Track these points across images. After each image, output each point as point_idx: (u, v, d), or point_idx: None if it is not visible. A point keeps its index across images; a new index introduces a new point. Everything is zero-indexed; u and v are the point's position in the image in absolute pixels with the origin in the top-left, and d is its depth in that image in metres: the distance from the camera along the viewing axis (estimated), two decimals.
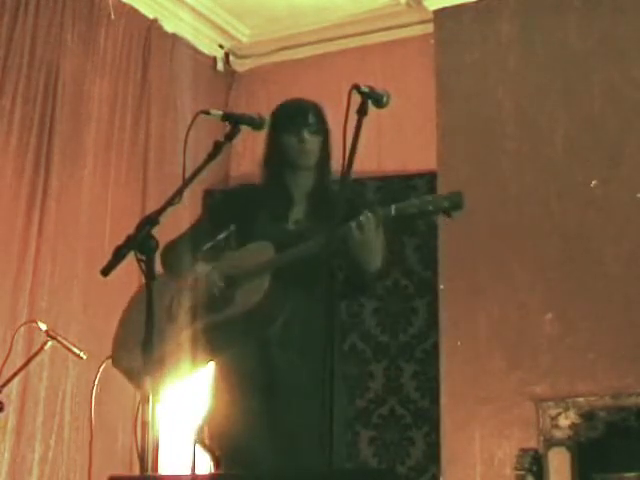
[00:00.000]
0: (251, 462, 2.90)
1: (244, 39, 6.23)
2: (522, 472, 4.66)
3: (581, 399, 4.76)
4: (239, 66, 6.35)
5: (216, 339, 2.94)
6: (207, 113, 2.79)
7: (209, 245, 3.03)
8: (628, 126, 5.04)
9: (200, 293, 2.98)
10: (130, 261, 2.51)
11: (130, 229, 2.53)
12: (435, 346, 5.25)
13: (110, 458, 4.72)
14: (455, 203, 2.75)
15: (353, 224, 2.77)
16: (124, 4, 5.45)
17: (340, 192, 2.63)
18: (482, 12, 5.46)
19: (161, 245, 2.56)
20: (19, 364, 4.14)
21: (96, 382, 3.87)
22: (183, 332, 2.96)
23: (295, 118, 3.09)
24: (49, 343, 4.06)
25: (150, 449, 2.41)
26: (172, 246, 3.11)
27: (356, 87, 2.62)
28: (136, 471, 4.17)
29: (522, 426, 4.84)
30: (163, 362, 2.81)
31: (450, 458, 5.00)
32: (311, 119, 3.08)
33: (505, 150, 5.29)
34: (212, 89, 6.14)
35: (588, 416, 4.71)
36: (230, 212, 3.14)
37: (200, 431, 3.37)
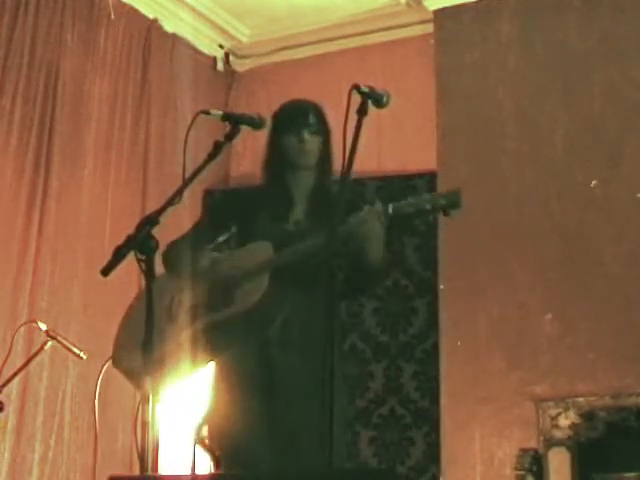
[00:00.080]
0: (251, 462, 2.90)
1: (244, 39, 6.23)
2: (522, 472, 4.66)
3: (581, 399, 4.76)
4: (239, 66, 6.35)
5: (216, 339, 2.94)
6: (207, 113, 2.79)
7: (211, 246, 3.05)
8: (628, 126, 5.04)
9: (207, 279, 2.98)
10: (130, 261, 2.51)
11: (130, 229, 2.53)
12: (435, 346, 5.25)
13: (110, 458, 4.71)
14: (453, 202, 2.76)
15: (356, 217, 2.78)
16: (124, 4, 5.45)
17: (340, 192, 2.64)
18: (482, 12, 5.46)
19: (161, 245, 2.56)
20: (19, 364, 4.14)
21: (99, 383, 3.86)
22: (183, 332, 2.96)
23: (295, 119, 3.10)
24: (49, 343, 4.06)
25: (150, 449, 2.41)
26: (174, 246, 3.12)
27: (356, 87, 2.62)
28: (136, 471, 4.18)
29: (522, 426, 4.84)
30: (163, 362, 2.81)
31: (450, 458, 5.00)
32: (311, 119, 3.09)
33: (505, 150, 5.29)
34: (212, 89, 6.14)
35: (588, 416, 4.71)
36: (231, 213, 3.15)
37: (200, 431, 3.37)
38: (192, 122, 2.72)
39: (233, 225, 3.07)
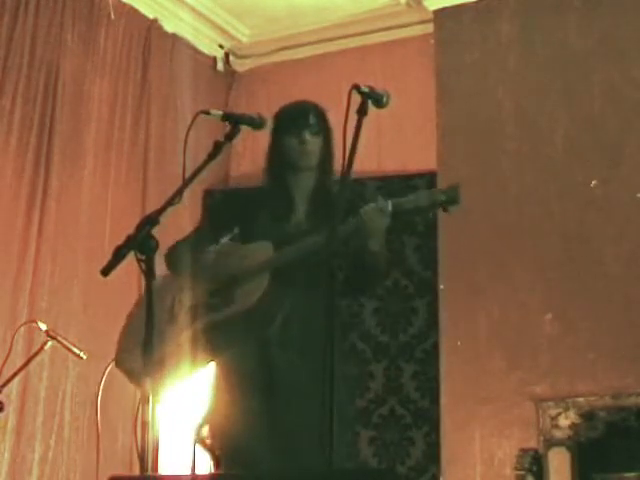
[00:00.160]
0: (251, 462, 2.90)
1: (244, 39, 6.23)
2: (522, 472, 4.66)
3: (581, 399, 4.76)
4: (239, 66, 6.35)
5: (216, 339, 2.94)
6: (207, 113, 2.79)
7: (213, 247, 3.06)
8: (628, 126, 5.04)
9: (209, 276, 2.99)
10: (130, 261, 2.51)
11: (130, 229, 2.53)
12: (435, 346, 5.25)
13: (110, 458, 4.71)
14: (452, 197, 2.77)
15: (361, 213, 2.79)
16: (124, 4, 5.45)
17: (340, 192, 2.64)
18: (482, 12, 5.46)
19: (161, 245, 2.56)
20: (19, 364, 4.14)
21: (102, 384, 3.86)
22: (183, 333, 2.96)
23: (296, 120, 3.10)
24: (49, 343, 4.06)
25: (150, 449, 2.41)
26: (177, 248, 3.13)
27: (356, 87, 2.62)
28: (136, 471, 4.19)
29: (522, 426, 4.84)
30: (163, 363, 2.81)
31: (450, 458, 5.00)
32: (312, 120, 3.10)
33: (505, 150, 5.29)
34: (212, 89, 6.14)
35: (588, 416, 4.71)
36: (232, 214, 3.16)
37: (200, 431, 3.38)
38: (192, 122, 2.72)
39: (235, 226, 3.08)
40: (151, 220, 2.53)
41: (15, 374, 4.03)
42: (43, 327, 4.07)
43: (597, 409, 4.71)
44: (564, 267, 4.98)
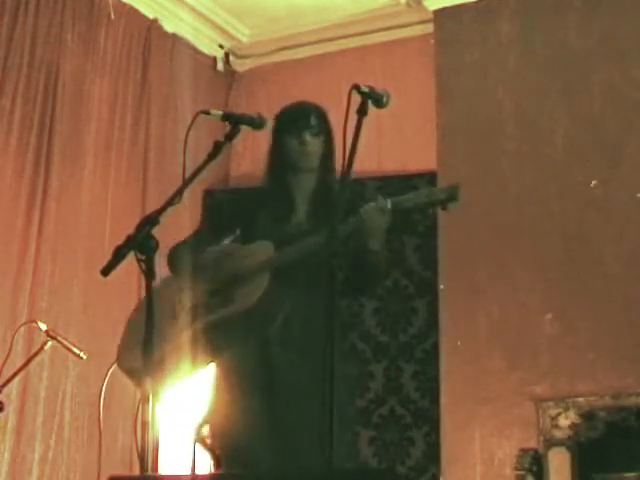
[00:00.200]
0: (251, 461, 2.90)
1: (244, 39, 6.23)
2: (522, 472, 4.66)
3: (581, 399, 4.76)
4: (239, 66, 6.34)
5: (216, 339, 2.95)
6: (207, 113, 2.79)
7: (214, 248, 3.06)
8: (628, 126, 5.04)
9: (211, 275, 2.99)
10: (130, 261, 2.51)
11: (130, 229, 2.53)
12: (435, 346, 5.25)
13: (110, 458, 4.71)
14: (452, 195, 2.78)
15: (361, 212, 2.79)
16: (124, 4, 5.45)
17: (340, 192, 2.64)
18: (482, 12, 5.46)
19: (161, 245, 2.56)
20: (19, 364, 4.14)
21: (105, 384, 3.85)
22: (183, 333, 2.96)
23: (297, 121, 3.11)
24: (49, 343, 4.05)
25: (150, 449, 2.41)
26: (178, 249, 3.13)
27: (356, 87, 2.62)
28: (136, 471, 4.18)
29: (522, 426, 4.84)
30: (163, 363, 2.82)
31: (450, 458, 5.00)
32: (313, 121, 3.10)
33: (505, 150, 5.29)
34: (212, 89, 6.14)
35: (588, 416, 4.71)
36: (234, 215, 3.16)
37: (200, 430, 3.38)
38: (192, 122, 2.72)
39: (237, 227, 3.09)
40: (151, 220, 2.53)
41: (15, 374, 4.03)
42: (43, 327, 4.07)
43: (597, 409, 4.71)
44: (564, 267, 4.98)
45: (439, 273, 5.28)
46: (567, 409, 4.76)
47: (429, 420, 5.24)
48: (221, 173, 6.00)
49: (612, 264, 4.89)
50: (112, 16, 5.33)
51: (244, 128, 2.82)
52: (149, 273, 2.48)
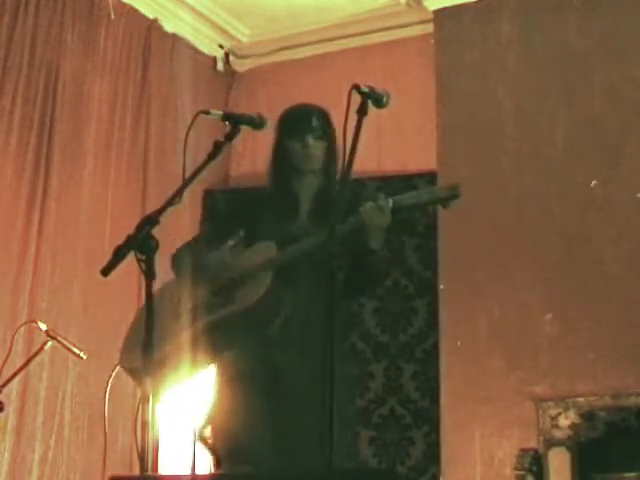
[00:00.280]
0: (252, 461, 2.90)
1: (244, 39, 6.23)
2: (522, 472, 4.66)
3: (581, 399, 4.76)
4: (239, 66, 6.34)
5: (217, 339, 2.95)
6: (207, 113, 2.79)
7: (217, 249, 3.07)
8: (628, 126, 5.04)
9: (213, 278, 2.99)
10: (130, 261, 2.51)
11: (130, 229, 2.53)
12: (435, 346, 5.25)
13: (110, 458, 4.71)
14: (452, 194, 2.78)
15: (361, 211, 2.79)
16: (124, 4, 5.45)
17: (340, 192, 2.65)
18: (482, 12, 5.46)
19: (161, 245, 2.56)
20: (19, 364, 4.14)
21: (109, 384, 3.84)
22: (184, 333, 2.96)
23: (299, 123, 3.11)
24: (49, 343, 4.05)
25: (150, 449, 2.41)
26: (182, 251, 3.14)
27: (356, 87, 2.62)
28: (136, 471, 4.18)
29: (522, 426, 4.84)
30: (164, 363, 2.82)
31: (450, 458, 5.00)
32: (315, 124, 3.10)
33: (505, 150, 5.29)
34: (212, 89, 6.13)
35: (588, 416, 4.71)
36: (237, 216, 3.17)
37: (201, 430, 3.38)
38: (192, 122, 2.73)
39: (240, 229, 3.09)
40: (151, 220, 2.53)
41: (15, 374, 4.03)
42: (43, 327, 4.07)
43: (597, 409, 4.71)
44: (564, 267, 4.98)
45: (439, 273, 5.28)
46: (567, 409, 4.76)
47: (429, 420, 5.24)
48: (221, 173, 5.99)
49: (612, 264, 4.89)
50: (112, 16, 5.33)
51: (244, 128, 2.82)
52: (149, 273, 2.48)
